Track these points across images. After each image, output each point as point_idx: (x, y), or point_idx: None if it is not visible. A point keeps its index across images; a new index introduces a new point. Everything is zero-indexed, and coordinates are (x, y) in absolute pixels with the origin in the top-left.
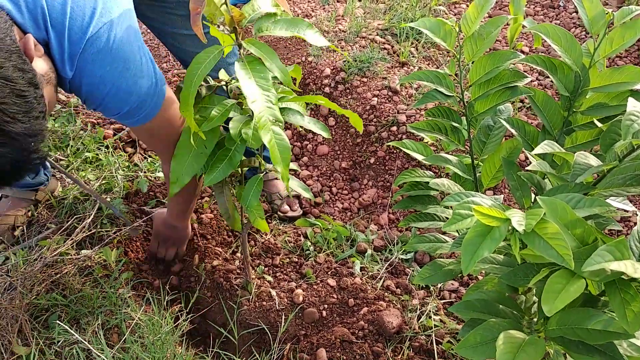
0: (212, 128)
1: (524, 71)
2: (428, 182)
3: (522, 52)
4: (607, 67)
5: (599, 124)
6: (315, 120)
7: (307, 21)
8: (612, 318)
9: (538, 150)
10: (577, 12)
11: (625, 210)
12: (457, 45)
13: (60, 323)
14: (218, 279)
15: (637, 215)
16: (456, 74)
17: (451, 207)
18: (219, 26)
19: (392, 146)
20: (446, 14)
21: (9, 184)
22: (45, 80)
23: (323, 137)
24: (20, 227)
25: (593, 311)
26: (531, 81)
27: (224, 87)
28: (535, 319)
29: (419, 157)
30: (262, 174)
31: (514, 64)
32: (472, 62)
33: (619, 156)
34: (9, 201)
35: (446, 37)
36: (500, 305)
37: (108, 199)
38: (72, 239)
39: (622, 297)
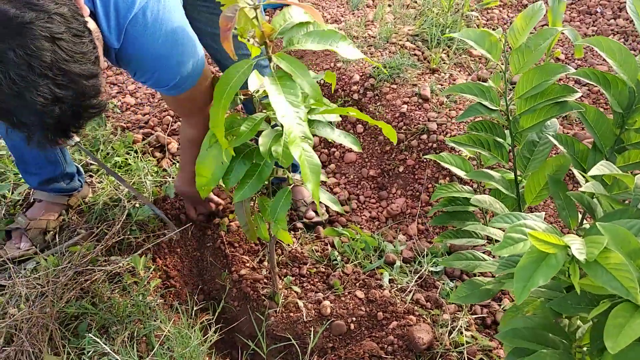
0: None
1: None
2: (466, 198)
3: (558, 59)
4: None
5: None
6: (345, 133)
7: (341, 33)
8: None
9: (594, 171)
10: (615, 18)
11: None
12: (503, 57)
13: (90, 335)
14: (245, 288)
15: None
16: (501, 87)
17: (502, 229)
18: (249, 40)
19: (423, 155)
20: (478, 19)
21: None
22: (95, 37)
23: None
24: (52, 232)
25: None
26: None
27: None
28: (585, 349)
29: (459, 173)
30: (290, 186)
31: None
32: (517, 76)
33: None
34: (43, 205)
35: (491, 49)
36: (550, 334)
37: (137, 205)
38: (101, 245)
39: None
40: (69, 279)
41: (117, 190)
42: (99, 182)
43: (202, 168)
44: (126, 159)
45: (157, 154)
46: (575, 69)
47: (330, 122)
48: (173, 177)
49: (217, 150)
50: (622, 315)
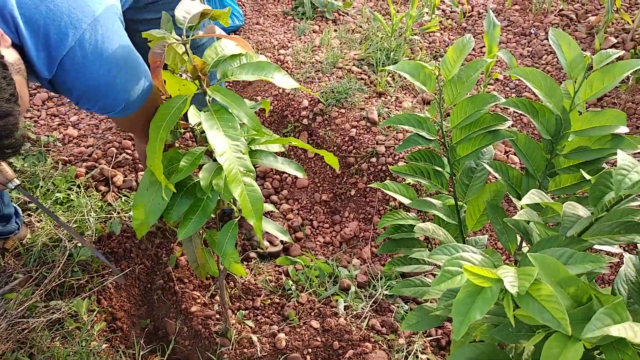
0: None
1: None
2: (411, 225)
3: (498, 79)
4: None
5: (585, 175)
6: (289, 161)
7: (274, 64)
8: None
9: (525, 200)
10: (547, 39)
11: (613, 254)
12: (438, 89)
13: None
14: (196, 325)
15: (623, 257)
16: (437, 117)
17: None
18: (181, 75)
19: (372, 178)
20: (420, 42)
21: None
22: (14, 69)
23: None
24: None
25: None
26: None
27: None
28: None
29: (403, 200)
30: (236, 219)
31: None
32: (453, 106)
33: (606, 206)
34: None
35: (426, 81)
36: None
37: (79, 245)
38: (41, 289)
39: (620, 358)
40: (3, 330)
41: (57, 229)
42: (38, 222)
43: (138, 208)
44: (68, 194)
45: (102, 188)
46: (513, 89)
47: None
48: (119, 212)
49: (156, 188)
50: (555, 345)
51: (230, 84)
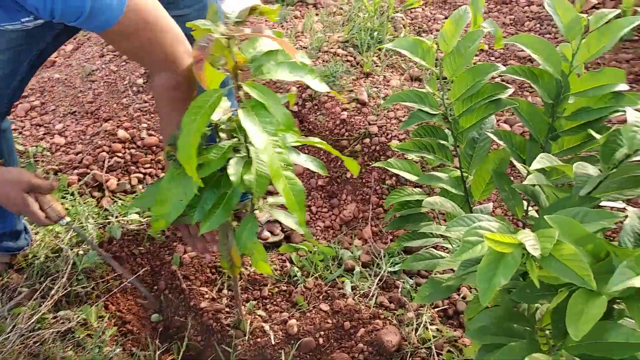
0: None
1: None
2: (418, 200)
3: (482, 50)
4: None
5: (594, 134)
6: (312, 158)
7: (308, 66)
8: (632, 329)
9: (536, 164)
10: (529, 5)
11: (618, 209)
12: (437, 63)
13: None
14: (207, 321)
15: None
16: (439, 91)
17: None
18: (219, 68)
19: (367, 159)
20: (403, 19)
21: None
22: None
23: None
24: None
25: (611, 324)
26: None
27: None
28: (547, 332)
29: (409, 177)
30: (254, 212)
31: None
32: (454, 79)
33: (615, 163)
34: None
35: (425, 56)
36: (514, 325)
37: (80, 252)
38: (47, 301)
39: None
40: (15, 344)
41: (57, 239)
42: (35, 234)
43: (160, 204)
44: (62, 203)
45: (96, 194)
46: (499, 57)
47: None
48: (116, 217)
49: (180, 182)
50: (580, 302)
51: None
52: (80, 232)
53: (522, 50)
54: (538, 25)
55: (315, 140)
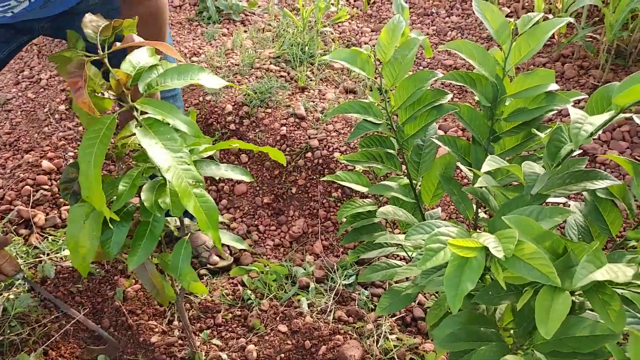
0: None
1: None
2: (369, 211)
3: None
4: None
5: (536, 132)
6: (232, 166)
7: (196, 65)
8: (596, 321)
9: (485, 167)
10: (449, 16)
11: (559, 204)
12: (376, 72)
13: None
14: (160, 356)
15: (569, 205)
16: (382, 101)
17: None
18: (103, 94)
19: (311, 173)
20: (332, 33)
21: None
22: None
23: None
24: None
25: (575, 318)
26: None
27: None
28: (511, 331)
29: (359, 188)
30: (187, 236)
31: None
32: (395, 87)
33: (560, 159)
34: None
35: (364, 66)
36: (481, 328)
37: (12, 296)
38: None
39: (601, 299)
40: None
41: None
42: None
43: (73, 247)
44: None
45: (23, 231)
46: (426, 67)
47: (212, 158)
48: (48, 254)
49: (90, 220)
50: (546, 298)
51: None
52: (32, 283)
53: (447, 59)
54: (459, 35)
55: (229, 142)
